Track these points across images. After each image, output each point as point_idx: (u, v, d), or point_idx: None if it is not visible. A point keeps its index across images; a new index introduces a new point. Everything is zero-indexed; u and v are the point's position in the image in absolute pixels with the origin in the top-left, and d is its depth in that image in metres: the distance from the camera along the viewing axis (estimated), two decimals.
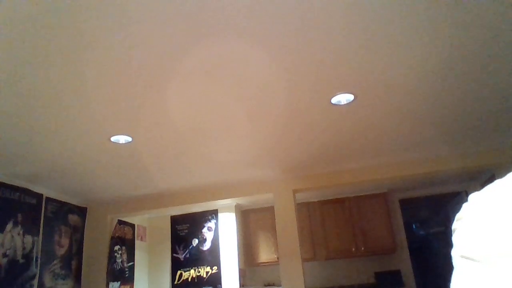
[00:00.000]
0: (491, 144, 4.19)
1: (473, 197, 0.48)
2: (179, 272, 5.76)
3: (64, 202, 4.62)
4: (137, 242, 5.79)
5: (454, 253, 0.46)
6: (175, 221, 6.00)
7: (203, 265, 5.67)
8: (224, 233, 5.71)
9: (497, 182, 0.46)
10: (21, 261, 3.85)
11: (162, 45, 2.03)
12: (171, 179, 4.40)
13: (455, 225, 0.48)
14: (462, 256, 0.44)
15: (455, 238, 0.47)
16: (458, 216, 0.48)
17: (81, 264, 4.84)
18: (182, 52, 2.11)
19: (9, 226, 3.74)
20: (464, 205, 0.48)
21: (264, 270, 6.08)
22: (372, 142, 3.78)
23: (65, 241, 4.58)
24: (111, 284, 4.94)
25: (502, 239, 0.40)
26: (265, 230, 5.95)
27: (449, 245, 0.48)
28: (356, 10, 1.89)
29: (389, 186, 5.78)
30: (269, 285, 5.93)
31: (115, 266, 5.12)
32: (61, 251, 4.49)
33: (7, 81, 2.23)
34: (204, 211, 5.82)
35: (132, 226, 5.72)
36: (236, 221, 5.76)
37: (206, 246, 5.74)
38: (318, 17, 1.92)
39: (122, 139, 3.17)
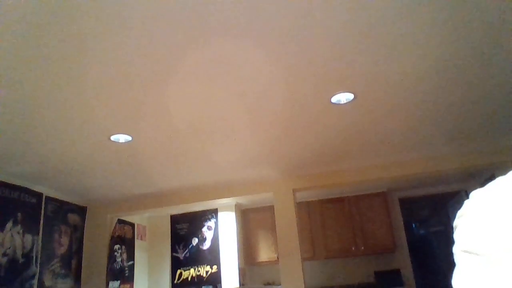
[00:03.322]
0: (491, 144, 4.19)
1: (475, 193, 0.48)
2: (179, 271, 5.76)
3: (64, 201, 4.62)
4: (137, 241, 5.79)
5: (456, 249, 0.46)
6: (175, 220, 6.01)
7: (203, 264, 5.67)
8: (224, 232, 5.71)
9: (499, 179, 0.46)
10: (21, 260, 3.85)
11: (162, 44, 2.03)
12: (171, 178, 4.40)
13: (457, 222, 0.48)
14: (464, 251, 0.45)
15: (456, 234, 0.47)
16: (459, 213, 0.48)
17: (81, 263, 4.84)
18: (182, 51, 2.11)
19: (9, 225, 3.74)
20: (466, 202, 0.48)
21: (264, 269, 6.09)
22: (372, 141, 3.78)
23: (65, 240, 4.58)
24: (111, 283, 4.94)
25: (504, 234, 0.41)
26: (265, 229, 5.96)
27: (449, 244, 0.48)
28: (356, 10, 1.89)
29: (389, 185, 5.78)
30: (269, 284, 5.93)
31: (115, 265, 5.12)
32: (61, 250, 4.49)
33: (7, 81, 2.23)
34: (204, 210, 5.82)
35: (132, 225, 5.72)
36: (236, 220, 5.76)
37: (206, 245, 5.74)
38: (318, 17, 1.92)
39: (122, 138, 3.17)
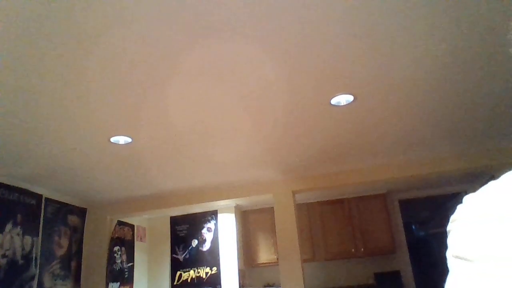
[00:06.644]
0: (491, 144, 4.19)
1: (468, 198, 0.48)
2: (178, 272, 5.75)
3: (63, 202, 4.62)
4: (137, 243, 5.78)
5: (449, 254, 0.46)
6: (175, 221, 6.00)
7: (202, 266, 5.66)
8: (223, 234, 5.71)
9: (491, 184, 0.46)
10: (21, 261, 3.84)
11: (162, 45, 2.03)
12: (171, 180, 4.40)
13: (450, 227, 0.48)
14: (455, 256, 0.44)
15: (449, 240, 0.47)
16: (452, 217, 0.48)
17: (81, 265, 4.83)
18: (182, 52, 2.11)
19: (8, 226, 3.74)
20: (459, 207, 0.48)
21: (263, 271, 6.08)
22: (371, 142, 3.79)
23: (64, 242, 4.58)
24: (110, 285, 4.94)
25: (496, 240, 0.41)
26: (264, 230, 5.95)
27: (447, 246, 0.48)
28: (356, 10, 1.89)
29: (389, 186, 5.78)
30: (268, 285, 5.93)
31: (115, 267, 5.11)
32: (60, 252, 4.48)
33: (7, 82, 2.23)
34: (203, 212, 5.82)
35: (132, 226, 5.71)
36: (236, 222, 5.76)
37: (206, 246, 5.74)
38: (318, 18, 1.92)
39: (122, 139, 3.17)
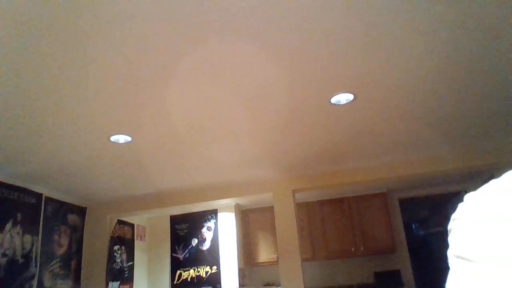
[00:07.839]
0: (491, 144, 4.19)
1: (469, 197, 0.47)
2: (178, 272, 5.75)
3: (63, 201, 4.62)
4: (137, 242, 5.79)
5: (450, 253, 0.46)
6: (175, 220, 6.00)
7: (202, 265, 5.67)
8: (223, 233, 5.71)
9: (492, 182, 0.46)
10: (21, 260, 3.85)
11: (162, 45, 2.03)
12: (171, 179, 4.40)
13: (451, 225, 0.48)
14: (456, 256, 0.44)
15: (450, 238, 0.47)
16: (453, 216, 0.48)
17: (81, 264, 4.83)
18: (182, 52, 2.11)
19: (8, 225, 3.74)
20: (460, 205, 0.48)
21: (263, 270, 6.09)
22: (371, 142, 3.78)
23: (64, 241, 4.58)
24: (110, 284, 4.94)
25: (496, 240, 0.40)
26: (264, 230, 5.96)
27: (448, 245, 0.48)
28: (356, 10, 1.89)
29: (389, 186, 5.78)
30: (268, 285, 5.93)
31: (115, 266, 5.12)
32: (60, 251, 4.48)
33: (7, 81, 2.22)
34: (203, 211, 5.82)
35: (132, 226, 5.72)
36: (236, 221, 5.76)
37: (206, 246, 5.74)
38: (318, 17, 1.92)
39: (121, 138, 3.17)
